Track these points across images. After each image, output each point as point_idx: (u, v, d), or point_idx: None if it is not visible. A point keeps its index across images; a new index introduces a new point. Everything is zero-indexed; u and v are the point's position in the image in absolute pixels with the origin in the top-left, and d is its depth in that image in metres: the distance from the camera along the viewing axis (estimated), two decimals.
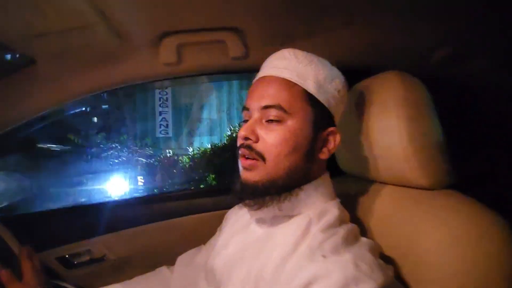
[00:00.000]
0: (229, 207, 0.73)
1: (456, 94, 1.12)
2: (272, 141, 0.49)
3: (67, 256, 0.88)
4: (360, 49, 0.89)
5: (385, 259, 0.49)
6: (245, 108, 0.53)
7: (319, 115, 0.51)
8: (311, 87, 0.51)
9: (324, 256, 0.43)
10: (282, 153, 0.49)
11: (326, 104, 0.52)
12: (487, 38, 0.85)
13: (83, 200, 3.57)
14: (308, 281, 0.41)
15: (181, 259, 0.74)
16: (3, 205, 0.97)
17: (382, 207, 0.58)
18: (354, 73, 0.76)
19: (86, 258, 0.89)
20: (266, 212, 0.51)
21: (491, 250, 0.43)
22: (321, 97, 0.51)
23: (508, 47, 0.87)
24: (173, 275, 0.71)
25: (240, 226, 0.60)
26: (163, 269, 0.74)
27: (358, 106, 0.64)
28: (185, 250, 0.76)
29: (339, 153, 0.76)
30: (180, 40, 0.75)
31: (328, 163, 0.60)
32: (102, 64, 0.74)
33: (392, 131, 0.55)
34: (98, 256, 0.89)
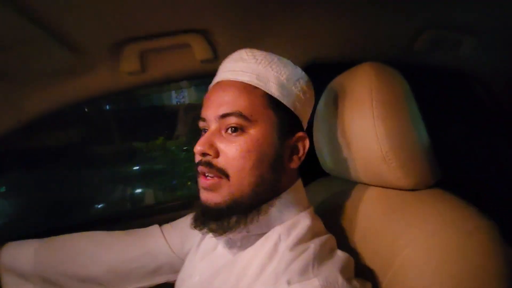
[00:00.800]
0: None
1: (443, 83, 1.09)
2: (234, 154, 0.43)
3: None
4: (336, 42, 0.84)
5: (364, 272, 0.46)
6: (201, 119, 0.48)
7: (285, 121, 0.46)
8: (273, 90, 0.45)
9: (288, 283, 0.38)
10: (246, 167, 0.43)
11: (291, 108, 0.47)
12: (473, 18, 0.81)
13: None
14: None
15: (129, 234, 0.68)
16: None
17: (363, 210, 0.55)
18: (332, 68, 0.71)
19: None
20: (236, 235, 0.46)
21: (476, 262, 0.39)
22: (285, 100, 0.46)
23: (497, 26, 0.83)
24: (119, 245, 0.66)
25: (206, 248, 0.54)
26: (99, 234, 0.68)
27: (334, 103, 0.60)
28: None
29: (320, 154, 0.72)
30: (142, 47, 0.70)
31: (313, 163, 0.56)
32: (58, 80, 0.69)
33: (368, 131, 0.51)
34: None
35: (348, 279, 0.40)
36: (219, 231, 0.44)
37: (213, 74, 0.54)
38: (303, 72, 0.50)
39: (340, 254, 0.44)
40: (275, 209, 0.46)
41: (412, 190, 0.51)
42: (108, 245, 0.66)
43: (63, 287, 0.63)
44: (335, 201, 0.62)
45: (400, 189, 0.52)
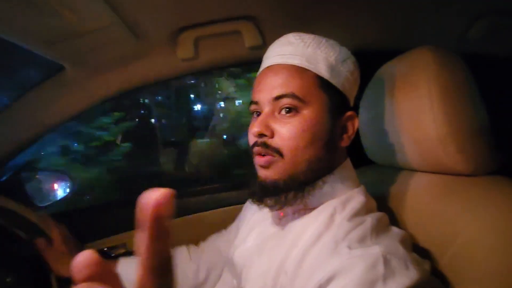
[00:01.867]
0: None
1: (500, 71, 1.01)
2: (289, 134, 0.45)
3: (105, 249, 0.93)
4: (386, 28, 0.82)
5: (419, 252, 0.46)
6: (253, 102, 0.50)
7: (335, 101, 0.48)
8: (323, 71, 0.47)
9: (349, 248, 0.40)
10: (301, 146, 0.45)
11: (340, 88, 0.48)
12: None
13: None
14: (330, 275, 0.38)
15: (203, 244, 0.75)
16: (47, 204, 1.05)
17: (414, 196, 0.54)
18: (380, 56, 0.71)
19: (122, 251, 0.94)
20: (292, 208, 0.49)
21: None
22: (334, 81, 0.48)
23: None
24: (193, 259, 0.71)
25: (259, 219, 0.58)
26: (183, 249, 0.74)
27: (386, 88, 0.60)
28: None
29: (366, 140, 0.72)
30: (196, 34, 0.75)
31: (355, 151, 0.57)
32: (123, 64, 0.77)
33: (425, 113, 0.50)
34: (131, 249, 0.94)
35: (408, 251, 0.40)
36: (276, 206, 0.48)
37: (260, 60, 0.57)
38: (350, 53, 0.50)
39: (396, 229, 0.45)
40: (328, 184, 0.48)
41: (470, 175, 0.49)
42: (190, 258, 0.72)
43: None
44: (383, 188, 0.62)
45: (457, 175, 0.50)
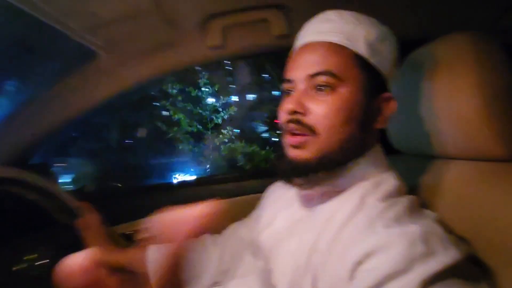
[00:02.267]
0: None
1: None
2: (324, 112, 0.44)
3: (128, 233, 0.96)
4: (417, 16, 0.81)
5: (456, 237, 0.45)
6: (286, 81, 0.49)
7: (372, 81, 0.47)
8: (363, 50, 0.45)
9: (386, 226, 0.40)
10: (336, 124, 0.44)
11: (379, 67, 0.47)
12: None
13: None
14: (366, 252, 0.37)
15: (225, 232, 0.74)
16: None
17: (447, 183, 0.53)
18: (409, 44, 0.70)
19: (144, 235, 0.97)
20: (318, 189, 0.49)
21: None
22: (374, 60, 0.46)
23: None
24: (217, 245, 0.71)
25: (285, 202, 0.58)
26: (207, 236, 0.74)
27: (417, 73, 0.59)
28: None
29: (392, 128, 0.72)
30: (225, 22, 0.76)
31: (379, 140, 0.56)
32: (154, 51, 0.79)
33: (461, 96, 0.49)
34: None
35: (446, 231, 0.40)
36: (307, 186, 0.47)
37: (287, 49, 0.57)
38: (391, 33, 0.49)
39: (430, 212, 0.44)
40: (361, 166, 0.48)
41: (509, 161, 0.48)
42: (214, 245, 0.71)
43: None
44: (412, 177, 0.61)
45: (495, 160, 0.49)
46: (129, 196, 1.07)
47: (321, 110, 0.45)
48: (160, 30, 0.71)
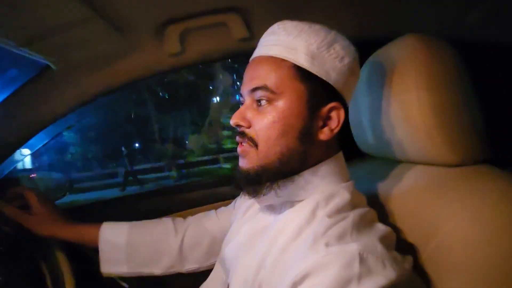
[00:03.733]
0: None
1: (497, 59, 0.98)
2: (262, 125, 0.46)
3: None
4: (378, 15, 0.80)
5: (403, 246, 0.45)
6: (240, 94, 0.51)
7: (315, 91, 0.46)
8: (302, 60, 0.45)
9: (327, 245, 0.39)
10: (272, 136, 0.45)
11: (324, 77, 0.46)
12: None
13: None
14: (305, 272, 0.37)
15: (189, 219, 0.75)
16: None
17: (403, 187, 0.53)
18: (373, 43, 0.68)
19: None
20: (268, 199, 0.49)
21: None
22: (315, 70, 0.45)
23: None
24: (178, 230, 0.72)
25: (251, 213, 0.58)
26: (168, 220, 0.74)
27: (374, 78, 0.58)
28: None
29: (356, 132, 0.70)
30: (182, 27, 0.73)
31: (347, 143, 0.55)
32: (109, 60, 0.75)
33: (411, 103, 0.48)
34: None
35: (388, 249, 0.39)
36: (252, 194, 0.48)
37: (249, 52, 0.55)
38: (340, 37, 0.47)
39: (380, 226, 0.44)
40: (307, 177, 0.47)
41: (457, 166, 0.48)
42: (175, 230, 0.72)
43: (148, 268, 0.70)
44: (372, 180, 0.61)
45: (444, 166, 0.49)
46: (103, 208, 1.04)
47: (260, 123, 0.46)
48: (111, 38, 0.67)
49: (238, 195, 0.74)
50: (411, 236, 0.46)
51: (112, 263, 0.68)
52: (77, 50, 0.67)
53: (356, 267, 0.36)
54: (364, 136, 0.65)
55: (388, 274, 0.36)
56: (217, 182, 1.06)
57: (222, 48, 0.80)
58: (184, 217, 0.77)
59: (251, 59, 0.51)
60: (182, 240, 0.70)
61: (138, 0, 0.62)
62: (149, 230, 0.72)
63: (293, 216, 0.47)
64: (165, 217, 0.76)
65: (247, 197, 0.50)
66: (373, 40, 0.79)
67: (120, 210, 1.00)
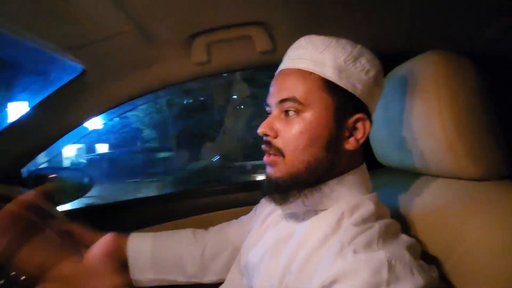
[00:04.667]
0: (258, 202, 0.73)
1: None
2: (289, 135, 0.47)
3: None
4: (399, 30, 0.81)
5: (428, 258, 0.45)
6: (266, 104, 0.53)
7: (342, 103, 0.48)
8: (329, 74, 0.47)
9: (355, 252, 0.40)
10: (300, 146, 0.47)
11: (350, 89, 0.48)
12: None
13: None
14: (333, 278, 0.38)
15: (211, 229, 0.76)
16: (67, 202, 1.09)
17: (425, 201, 0.53)
18: (393, 58, 0.70)
19: None
20: (294, 207, 0.50)
21: None
22: (342, 83, 0.47)
23: None
24: (199, 241, 0.73)
25: (273, 220, 0.59)
26: (188, 231, 0.76)
27: (395, 91, 0.59)
28: None
29: (375, 144, 0.71)
30: (209, 39, 0.77)
31: (364, 154, 0.56)
32: (139, 68, 0.80)
33: (433, 116, 0.49)
34: None
35: (415, 258, 0.40)
36: (280, 201, 0.49)
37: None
38: (366, 50, 0.49)
39: (405, 237, 0.44)
40: (333, 187, 0.48)
41: (480, 180, 0.48)
42: (196, 240, 0.74)
43: (172, 275, 0.72)
44: (392, 192, 0.61)
45: (467, 179, 0.49)
46: (117, 210, 1.07)
47: (287, 134, 0.48)
48: (143, 48, 0.72)
49: (253, 201, 0.76)
50: (433, 248, 0.47)
51: (139, 270, 0.71)
52: (112, 58, 0.72)
53: (384, 273, 0.36)
54: (383, 148, 0.66)
55: (416, 281, 0.36)
56: (230, 189, 1.08)
57: (245, 59, 0.84)
58: (197, 221, 0.79)
59: (278, 71, 0.53)
60: (203, 251, 0.72)
61: (170, 14, 0.67)
62: (171, 240, 0.75)
63: (318, 224, 0.47)
64: (186, 223, 0.78)
65: (273, 204, 0.51)
66: (392, 54, 0.82)
67: (135, 212, 1.04)
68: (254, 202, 0.76)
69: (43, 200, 0.72)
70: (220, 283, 0.71)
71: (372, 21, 0.78)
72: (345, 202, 0.48)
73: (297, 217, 0.52)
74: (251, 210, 0.76)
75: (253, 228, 0.64)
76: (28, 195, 0.69)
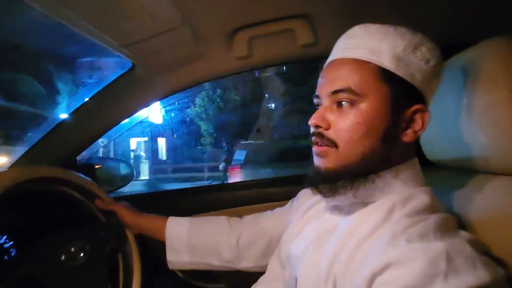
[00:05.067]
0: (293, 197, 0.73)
1: None
2: (344, 127, 0.46)
3: None
4: (457, 17, 0.76)
5: (493, 259, 0.42)
6: (315, 96, 0.52)
7: (400, 93, 0.46)
8: (387, 62, 0.46)
9: (408, 241, 0.38)
10: (355, 138, 0.46)
11: (408, 79, 0.46)
12: None
13: None
14: (385, 264, 0.37)
15: (245, 218, 0.78)
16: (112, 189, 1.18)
17: (487, 201, 0.49)
18: (448, 48, 0.66)
19: None
20: (342, 199, 0.49)
21: None
22: (401, 72, 0.45)
23: None
24: (234, 229, 0.75)
25: (315, 213, 0.59)
26: (224, 218, 0.78)
27: (452, 83, 0.56)
28: None
29: (426, 140, 0.68)
30: (251, 33, 0.78)
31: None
32: (184, 63, 0.83)
33: (501, 107, 0.46)
34: None
35: (478, 253, 0.37)
36: (328, 193, 0.49)
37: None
38: (427, 39, 0.47)
39: (465, 233, 0.42)
40: (386, 179, 0.47)
41: None
42: (231, 227, 0.76)
43: (207, 259, 0.75)
44: (445, 190, 0.57)
45: None
46: (157, 199, 1.13)
47: (341, 125, 0.47)
48: (189, 43, 0.75)
49: (286, 196, 0.77)
50: (498, 252, 0.43)
51: (176, 252, 0.75)
52: (161, 54, 0.76)
53: (442, 264, 0.34)
54: (435, 144, 0.63)
55: (480, 275, 0.34)
56: (264, 183, 1.09)
57: (286, 53, 0.84)
58: (231, 214, 0.82)
59: (328, 61, 0.52)
60: (238, 238, 0.74)
61: (215, 8, 0.69)
62: (207, 225, 0.78)
63: (367, 216, 0.47)
64: (220, 215, 0.80)
65: (317, 196, 0.51)
66: (447, 44, 0.77)
67: (173, 202, 1.09)
68: (287, 197, 0.77)
69: (95, 185, 0.81)
70: (254, 272, 0.73)
71: (423, 12, 0.73)
72: (397, 194, 0.46)
73: (341, 209, 0.52)
74: (283, 204, 0.76)
75: (292, 221, 0.65)
76: (84, 180, 0.77)
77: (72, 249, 0.69)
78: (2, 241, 0.64)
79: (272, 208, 0.79)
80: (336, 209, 0.53)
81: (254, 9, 0.72)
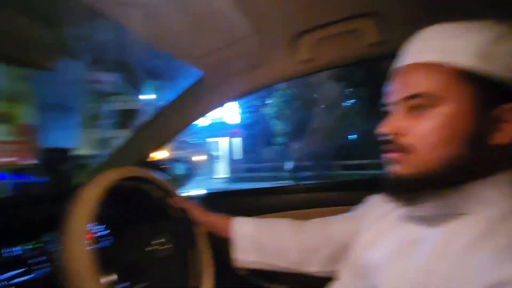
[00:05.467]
0: (354, 203, 0.72)
1: None
2: (422, 132, 0.44)
3: None
4: None
5: None
6: (384, 103, 0.51)
7: (484, 92, 0.42)
8: (466, 62, 0.42)
9: None
10: (436, 143, 0.44)
11: (495, 76, 0.42)
12: None
13: None
14: (496, 282, 0.35)
15: (308, 223, 0.77)
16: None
17: None
18: None
19: None
20: (428, 210, 0.46)
21: None
22: (484, 70, 0.42)
23: None
24: (297, 233, 0.75)
25: (391, 221, 0.56)
26: (289, 220, 0.79)
27: None
28: None
29: None
30: (316, 36, 0.78)
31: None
32: (249, 69, 0.87)
33: None
34: None
35: None
36: (407, 201, 0.47)
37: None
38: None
39: None
40: (482, 189, 0.44)
41: None
42: (300, 230, 0.76)
43: (272, 260, 0.76)
44: None
45: None
46: (220, 199, 1.20)
47: (418, 130, 0.45)
48: (256, 50, 0.78)
49: (345, 202, 0.74)
50: None
51: (241, 251, 0.78)
52: (229, 63, 0.81)
53: None
54: None
55: None
56: (324, 187, 1.09)
57: (351, 53, 0.82)
58: (292, 216, 0.82)
59: (399, 66, 0.50)
60: (306, 241, 0.74)
61: (282, 14, 0.71)
62: (274, 226, 0.79)
63: (463, 229, 0.43)
64: (281, 217, 0.82)
65: (392, 204, 0.49)
66: None
67: (235, 202, 1.15)
68: (346, 203, 0.75)
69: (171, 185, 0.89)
70: (320, 277, 0.72)
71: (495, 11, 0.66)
72: (495, 206, 0.42)
73: (426, 220, 0.48)
74: (342, 211, 0.75)
75: (362, 228, 0.63)
76: (164, 180, 0.86)
77: (157, 240, 0.77)
78: (102, 230, 0.75)
79: (333, 213, 0.78)
80: (419, 219, 0.50)
81: (320, 11, 0.72)
